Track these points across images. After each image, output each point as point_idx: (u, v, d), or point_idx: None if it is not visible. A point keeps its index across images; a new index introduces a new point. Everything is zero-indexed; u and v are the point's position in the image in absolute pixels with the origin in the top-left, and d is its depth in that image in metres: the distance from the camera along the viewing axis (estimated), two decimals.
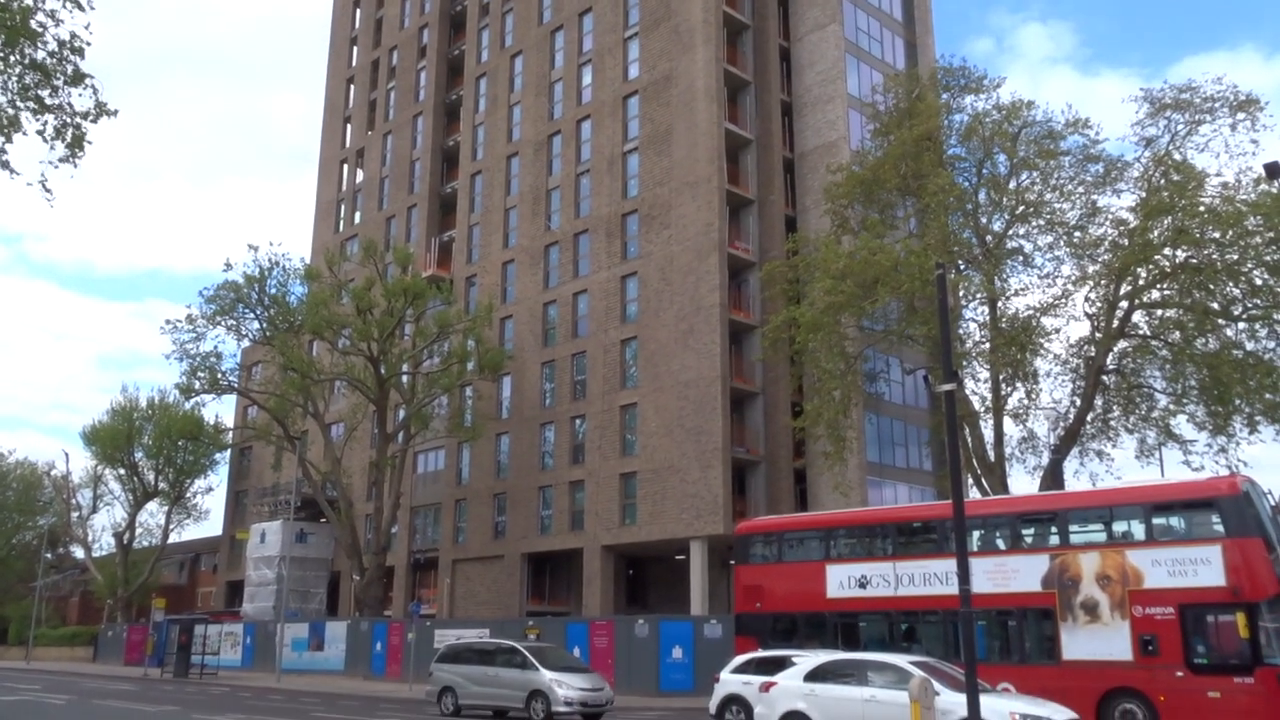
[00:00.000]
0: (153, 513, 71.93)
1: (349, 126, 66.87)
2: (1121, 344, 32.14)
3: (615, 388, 45.69)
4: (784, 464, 42.97)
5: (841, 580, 22.69)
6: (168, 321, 74.93)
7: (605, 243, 47.69)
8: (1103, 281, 31.20)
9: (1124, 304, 31.35)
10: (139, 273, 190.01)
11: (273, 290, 47.24)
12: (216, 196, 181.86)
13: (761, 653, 20.91)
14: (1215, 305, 30.07)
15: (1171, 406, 31.78)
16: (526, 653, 23.95)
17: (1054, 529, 20.72)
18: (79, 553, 78.80)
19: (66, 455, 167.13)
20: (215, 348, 49.16)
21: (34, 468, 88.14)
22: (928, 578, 21.19)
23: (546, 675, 22.94)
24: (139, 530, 70.81)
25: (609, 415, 45.61)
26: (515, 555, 48.19)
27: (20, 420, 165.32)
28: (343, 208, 65.45)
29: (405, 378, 48.26)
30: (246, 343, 51.46)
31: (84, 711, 25.02)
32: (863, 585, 22.31)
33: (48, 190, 16.59)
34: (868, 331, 36.18)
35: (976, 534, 21.21)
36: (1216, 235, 29.06)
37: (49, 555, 77.44)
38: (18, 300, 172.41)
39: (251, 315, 47.46)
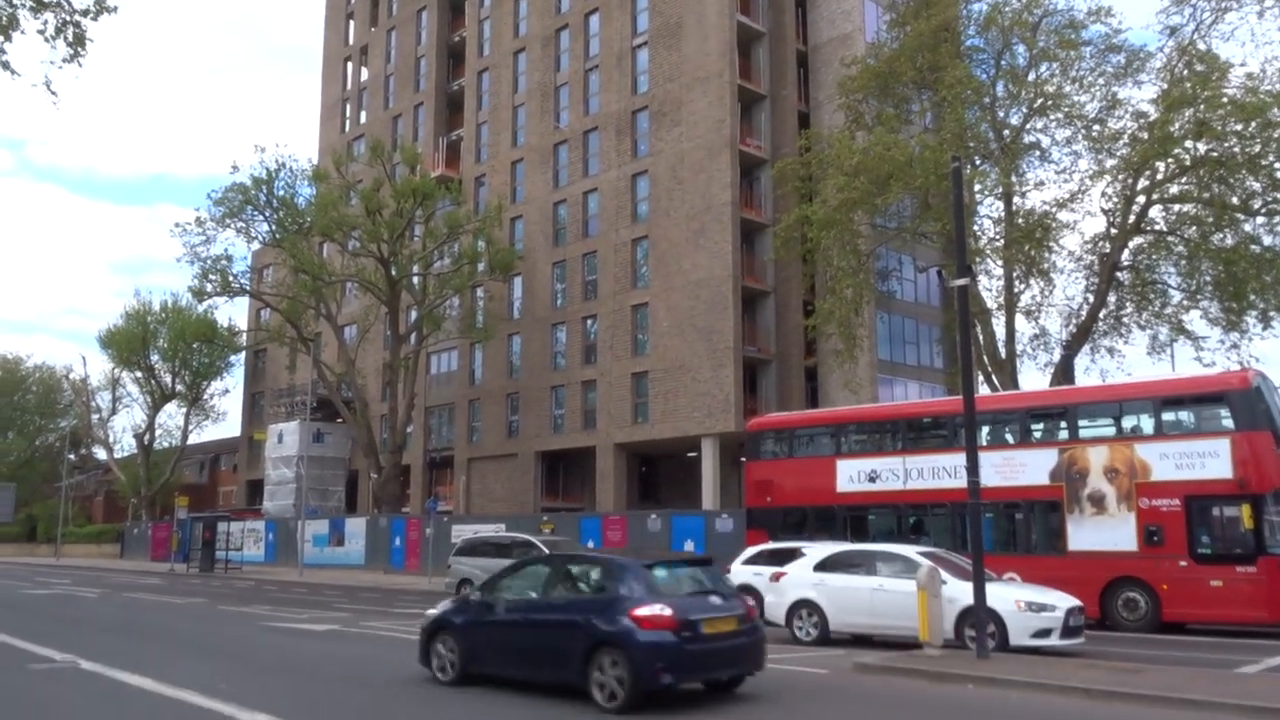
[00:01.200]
0: (171, 414, 73.06)
1: (351, 23, 65.46)
2: (1137, 240, 31.86)
3: (626, 287, 45.64)
4: (795, 363, 43.15)
5: (851, 475, 23.00)
6: (177, 224, 74.74)
7: (615, 140, 47.04)
8: (1121, 176, 30.75)
9: (1141, 199, 30.97)
10: (144, 177, 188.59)
11: (281, 192, 47.00)
12: (219, 99, 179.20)
13: (772, 545, 21.33)
14: (1234, 199, 29.67)
15: (1185, 302, 31.67)
16: (542, 546, 24.49)
17: (1063, 424, 20.89)
18: (101, 454, 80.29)
19: (84, 359, 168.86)
20: (226, 251, 49.31)
21: (52, 371, 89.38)
22: (936, 472, 21.45)
23: None
24: (159, 431, 72.05)
25: (620, 315, 45.67)
26: (529, 453, 48.87)
27: (35, 325, 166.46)
28: (348, 107, 64.52)
29: (416, 279, 48.26)
30: (256, 245, 51.50)
31: (116, 603, 25.85)
32: (872, 480, 22.63)
33: (52, 91, 16.41)
34: (881, 229, 35.88)
35: (986, 429, 21.39)
36: (1239, 127, 28.48)
37: (72, 456, 78.98)
38: (26, 204, 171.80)
39: (260, 217, 47.33)
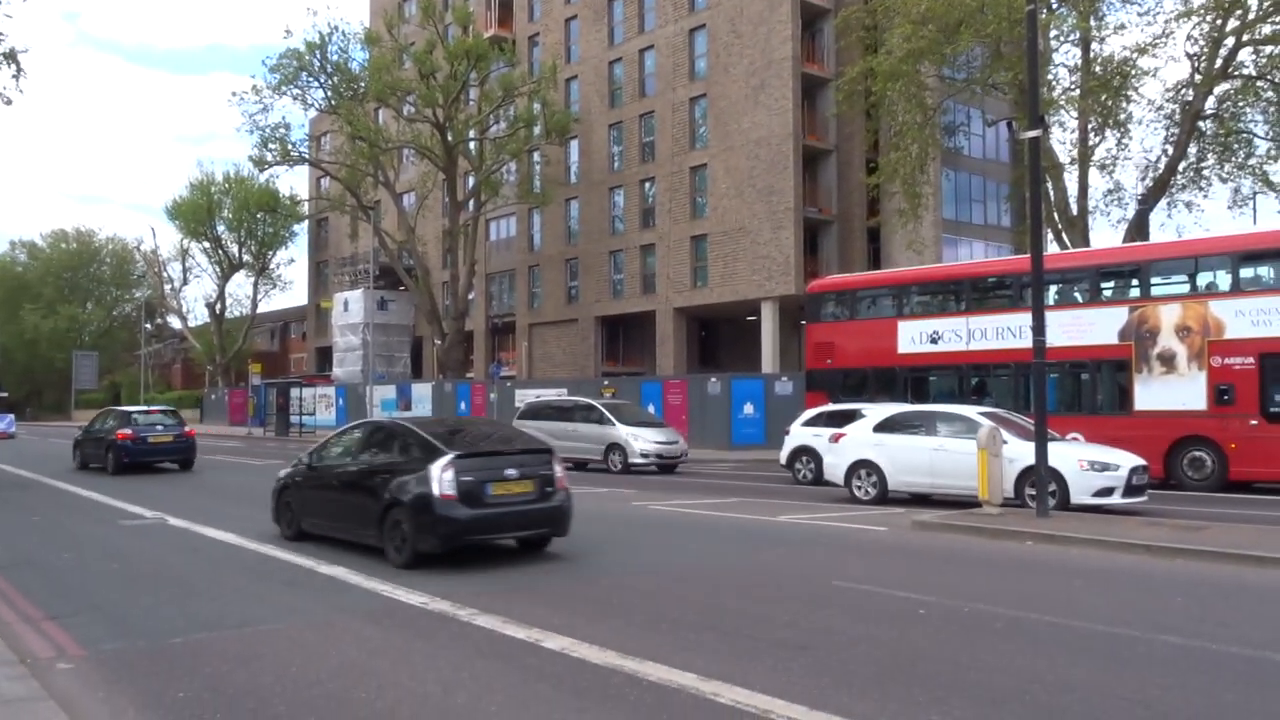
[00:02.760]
0: (240, 284, 74.88)
1: None
2: (1223, 86, 30.22)
3: (684, 148, 44.80)
4: (857, 223, 42.36)
5: (913, 336, 22.80)
6: (234, 93, 75.04)
7: None
8: (1209, 16, 28.96)
9: (1230, 40, 29.21)
10: (199, 49, 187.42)
11: (334, 57, 46.52)
12: None
13: (831, 407, 21.44)
14: None
15: (1273, 152, 30.23)
16: (603, 409, 24.89)
17: (1135, 281, 20.34)
18: (175, 323, 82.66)
19: (154, 230, 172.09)
20: (283, 119, 49.42)
21: (124, 243, 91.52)
22: (1000, 332, 21.16)
23: (623, 430, 23.92)
24: (229, 301, 73.83)
25: (678, 177, 44.99)
26: (589, 318, 49.18)
27: (102, 198, 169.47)
28: None
29: (472, 144, 47.85)
30: (313, 112, 51.30)
31: (199, 465, 26.98)
32: (934, 341, 22.40)
33: None
34: (949, 80, 34.48)
35: (1054, 289, 20.94)
36: None
37: (148, 326, 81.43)
38: (88, 77, 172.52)
39: (315, 84, 47.01)
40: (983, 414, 15.57)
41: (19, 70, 21.30)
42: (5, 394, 74.81)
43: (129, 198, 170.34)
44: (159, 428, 23.82)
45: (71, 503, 17.03)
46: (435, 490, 9.82)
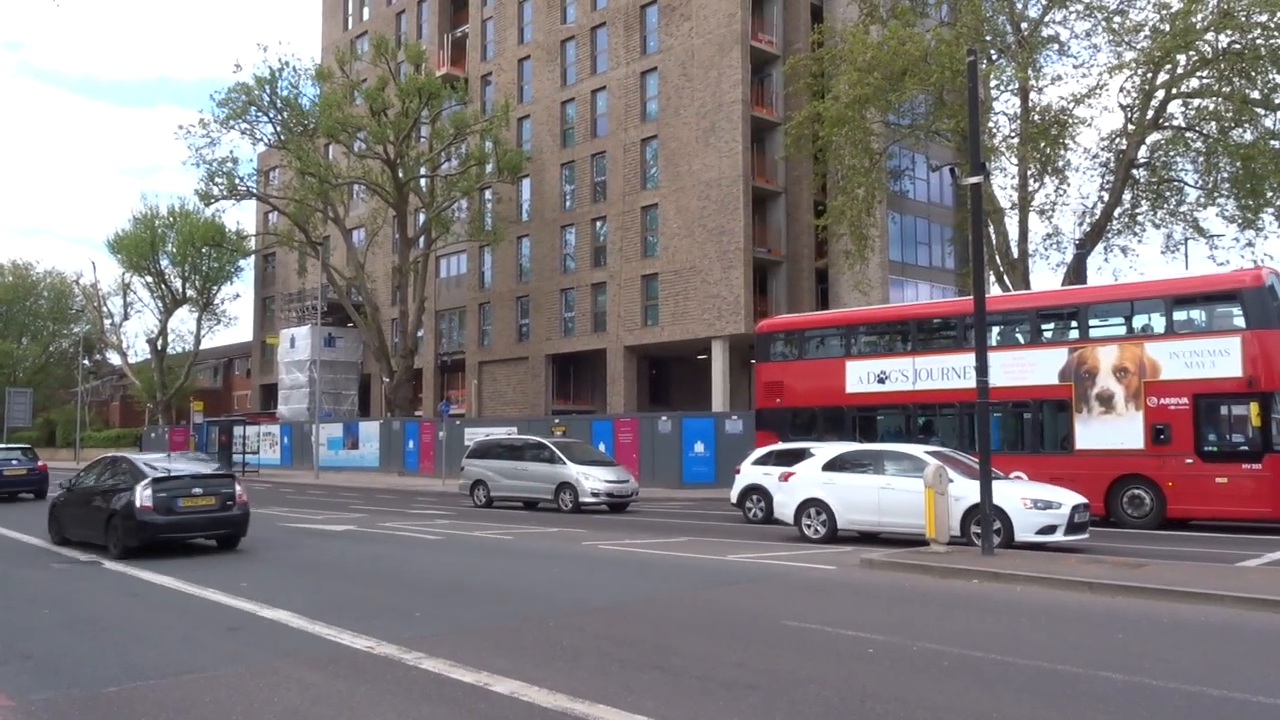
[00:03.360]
0: (184, 319, 73.62)
1: None
2: (1155, 136, 31.25)
3: (636, 188, 45.17)
4: (806, 264, 42.91)
5: (861, 376, 23.08)
6: (180, 126, 74.17)
7: (624, 36, 45.97)
8: (1140, 69, 29.99)
9: (1160, 93, 30.26)
10: (146, 80, 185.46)
11: (284, 92, 46.33)
12: None
13: (781, 445, 21.60)
14: (1255, 94, 28.97)
15: (1201, 200, 31.21)
16: (554, 448, 24.80)
17: (1074, 323, 20.83)
18: (115, 359, 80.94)
19: (94, 264, 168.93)
20: (231, 153, 48.96)
21: (63, 277, 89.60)
22: (946, 372, 21.50)
23: (574, 469, 23.84)
24: (171, 337, 72.51)
25: (630, 216, 45.30)
26: (540, 356, 49.10)
27: (42, 229, 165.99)
28: (350, 3, 62.98)
29: (424, 181, 47.80)
30: (262, 147, 50.98)
31: None
32: (881, 380, 22.70)
33: None
34: (894, 126, 35.22)
35: (996, 329, 21.38)
36: (1263, 18, 27.64)
37: (86, 362, 79.65)
38: (29, 107, 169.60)
39: (264, 118, 46.72)
40: (929, 453, 15.78)
41: None
42: None
43: (69, 230, 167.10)
44: (14, 462, 27.27)
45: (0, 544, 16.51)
46: (138, 503, 14.00)
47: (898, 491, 15.30)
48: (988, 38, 31.87)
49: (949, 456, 15.88)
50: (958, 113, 29.92)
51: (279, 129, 46.99)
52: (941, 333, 23.35)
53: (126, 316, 77.27)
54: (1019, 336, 21.68)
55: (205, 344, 73.31)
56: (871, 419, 23.04)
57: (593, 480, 23.59)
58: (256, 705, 6.37)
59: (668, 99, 43.79)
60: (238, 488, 15.10)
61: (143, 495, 13.96)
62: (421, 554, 14.96)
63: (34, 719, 6.16)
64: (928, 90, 31.51)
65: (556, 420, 37.57)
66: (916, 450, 16.14)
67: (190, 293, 69.39)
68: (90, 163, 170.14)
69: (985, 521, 13.38)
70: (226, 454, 46.27)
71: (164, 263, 68.56)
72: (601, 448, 31.46)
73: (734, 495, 21.23)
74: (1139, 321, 20.03)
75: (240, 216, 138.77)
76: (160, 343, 70.86)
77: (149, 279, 69.74)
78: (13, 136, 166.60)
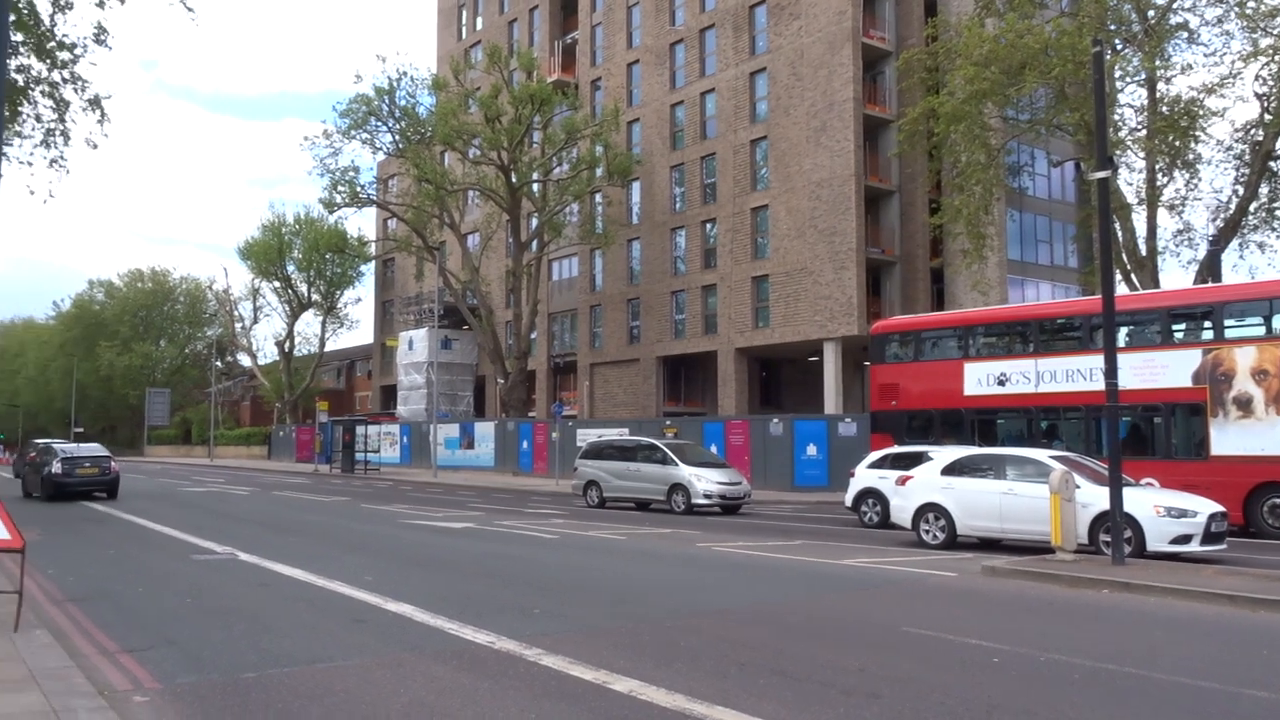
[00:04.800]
0: (309, 322, 76.38)
1: None
2: None
3: (746, 189, 44.97)
4: (920, 264, 42.03)
5: (980, 378, 22.49)
6: (305, 138, 77.18)
7: (732, 38, 45.82)
8: (1277, 56, 28.43)
9: None
10: (272, 95, 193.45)
11: (403, 102, 47.71)
12: (339, 12, 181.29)
13: (897, 449, 21.20)
14: None
15: None
16: (666, 449, 24.86)
17: (1208, 323, 19.87)
18: (246, 361, 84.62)
19: (226, 271, 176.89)
20: (352, 162, 50.77)
21: (197, 283, 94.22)
22: (1070, 374, 20.78)
23: (686, 470, 23.85)
24: (298, 339, 75.49)
25: (740, 218, 45.12)
26: (650, 358, 49.30)
27: (178, 239, 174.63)
28: (464, 13, 64.42)
29: (536, 186, 48.57)
30: (381, 156, 52.60)
31: (267, 500, 27.50)
32: (1001, 383, 22.07)
33: (189, 8, 16.88)
34: (1012, 122, 34.24)
35: (1125, 330, 20.55)
36: None
37: (219, 364, 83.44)
38: (164, 123, 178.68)
39: (384, 128, 48.19)
40: (1054, 457, 15.27)
41: (103, 116, 22.11)
42: (81, 429, 77.02)
43: (203, 238, 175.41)
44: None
45: (145, 537, 17.42)
46: (54, 471, 25.82)
47: (1021, 497, 14.84)
48: (1112, 27, 30.70)
49: (1075, 461, 15.33)
50: (1081, 106, 28.91)
51: (397, 138, 48.41)
52: (1066, 333, 22.56)
53: (256, 320, 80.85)
54: (1149, 337, 20.79)
55: (329, 346, 76.09)
56: (991, 422, 22.43)
57: (705, 482, 23.55)
58: (384, 696, 6.56)
59: (777, 99, 43.46)
60: (113, 464, 27.30)
61: (55, 466, 25.91)
62: (538, 552, 15.19)
63: (180, 701, 6.47)
64: (1048, 83, 30.53)
65: (668, 422, 37.66)
66: (1041, 455, 15.63)
67: (315, 297, 72.10)
68: (221, 174, 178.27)
69: (1115, 529, 12.86)
70: (349, 452, 47.85)
71: (290, 268, 71.46)
72: (713, 449, 31.39)
73: (849, 499, 20.92)
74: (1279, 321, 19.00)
75: (361, 223, 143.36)
76: (287, 345, 73.82)
77: (277, 284, 72.79)
78: (150, 151, 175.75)
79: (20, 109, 20.99)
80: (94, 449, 29.64)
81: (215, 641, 8.36)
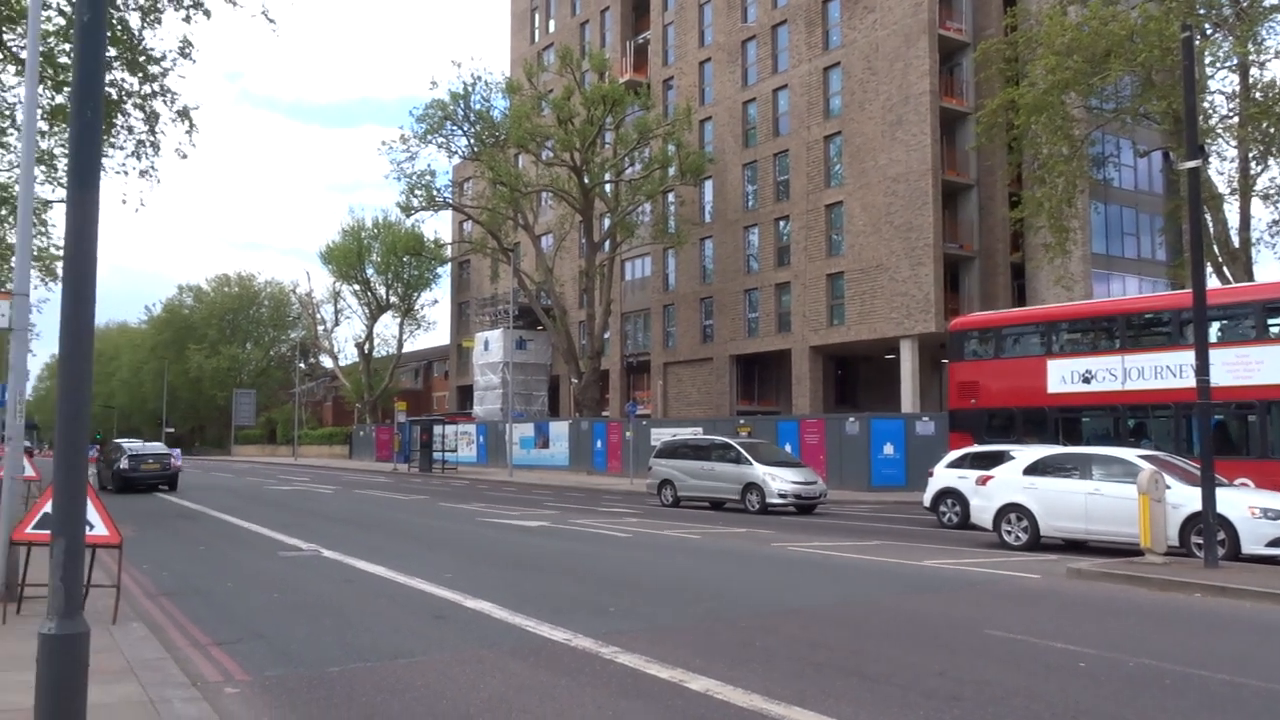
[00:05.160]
0: (387, 324, 77.96)
1: None
2: None
3: (819, 186, 44.54)
4: (1000, 259, 41.16)
5: (1063, 375, 21.93)
6: (383, 143, 78.56)
7: (805, 33, 45.42)
8: None
9: None
10: (351, 102, 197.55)
11: (477, 106, 48.33)
12: (414, 19, 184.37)
13: (977, 448, 20.79)
14: None
15: None
16: (740, 448, 24.75)
17: None
18: (327, 362, 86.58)
19: (308, 274, 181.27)
20: (429, 166, 51.39)
21: (281, 287, 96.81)
22: (1159, 371, 20.14)
23: (760, 469, 23.72)
24: (377, 341, 76.98)
25: (814, 215, 44.71)
26: (724, 357, 49.14)
27: (263, 244, 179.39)
28: (536, 16, 64.98)
29: (608, 186, 48.77)
30: (457, 159, 53.35)
31: (349, 498, 28.09)
32: (1087, 380, 21.50)
33: (270, 19, 17.31)
34: (1096, 111, 33.31)
35: (1217, 324, 19.84)
36: None
37: (302, 365, 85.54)
38: (248, 132, 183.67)
39: (459, 132, 48.89)
40: (1142, 457, 14.83)
41: (192, 127, 22.79)
42: (171, 429, 79.53)
43: (286, 244, 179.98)
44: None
45: (233, 534, 17.93)
46: (121, 466, 30.10)
47: (1107, 498, 14.44)
48: (1201, 11, 29.64)
49: (1164, 461, 14.87)
50: (1169, 94, 28.02)
51: (472, 141, 49.07)
52: (1154, 329, 21.87)
53: (337, 322, 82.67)
54: (1243, 332, 20.04)
55: (407, 347, 77.43)
56: (1076, 421, 21.86)
57: (780, 481, 23.39)
58: (464, 691, 6.65)
59: (851, 94, 42.96)
60: (174, 460, 31.67)
61: (123, 461, 30.06)
62: (613, 551, 15.25)
63: (268, 694, 6.64)
64: (1134, 71, 29.63)
65: (741, 421, 37.49)
66: (1129, 454, 15.18)
67: (393, 299, 73.46)
68: (302, 180, 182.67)
69: (1208, 531, 12.44)
70: (427, 452, 48.61)
71: (369, 271, 72.95)
72: (787, 449, 31.15)
73: (927, 499, 20.59)
74: None
75: (437, 226, 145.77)
76: (367, 346, 75.32)
77: (356, 287, 74.36)
78: (234, 159, 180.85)
79: (114, 121, 21.75)
80: (157, 447, 34.62)
81: (301, 636, 8.57)
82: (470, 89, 47.74)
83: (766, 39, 47.66)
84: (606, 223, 49.56)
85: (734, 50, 49.50)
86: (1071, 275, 35.93)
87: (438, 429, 49.71)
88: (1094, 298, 35.75)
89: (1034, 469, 15.84)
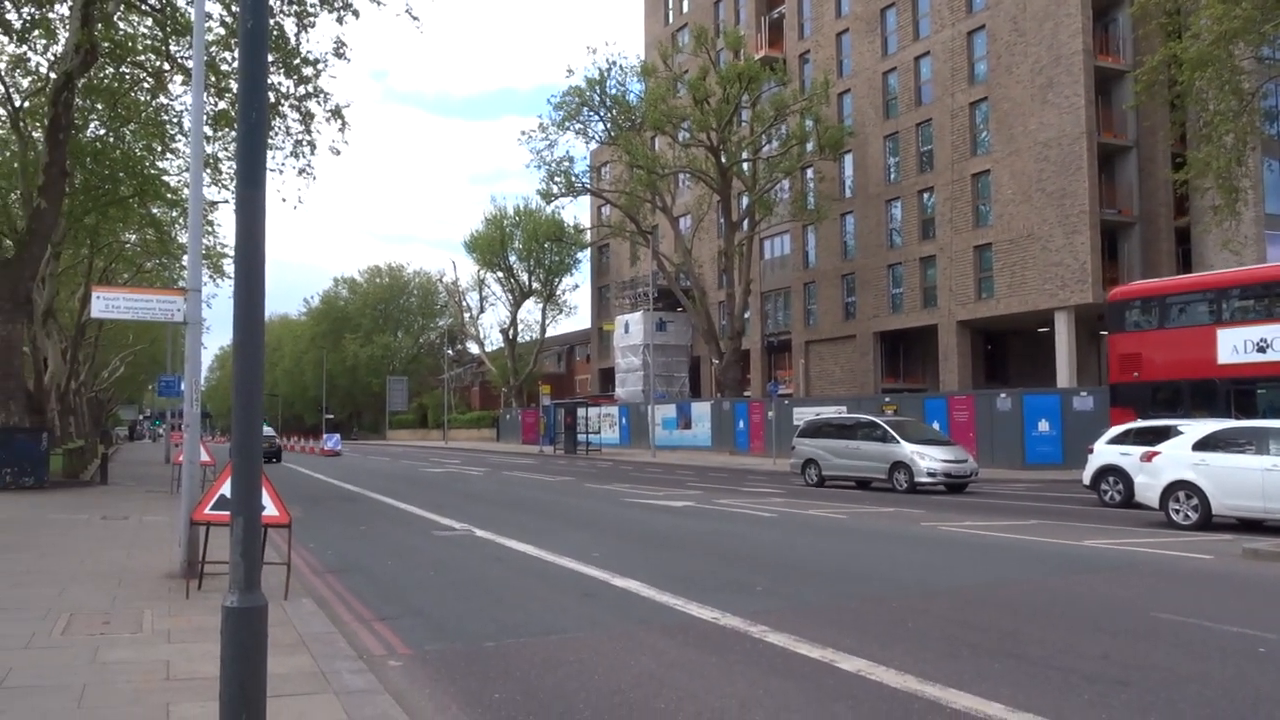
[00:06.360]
0: (530, 310, 79.66)
1: None
2: None
3: (965, 155, 43.06)
4: (1162, 224, 38.94)
5: (1236, 345, 20.63)
6: (523, 133, 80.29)
7: None
8: None
9: None
10: (490, 94, 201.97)
11: (613, 91, 48.71)
12: (549, 7, 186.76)
13: (1140, 423, 19.78)
14: None
15: None
16: (887, 426, 24.27)
17: None
18: (474, 348, 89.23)
19: (454, 264, 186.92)
20: (567, 152, 52.21)
21: (428, 276, 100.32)
22: None
23: (908, 448, 23.21)
24: (520, 326, 78.86)
25: (959, 185, 43.28)
26: (867, 334, 48.22)
27: (411, 236, 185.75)
28: None
29: (746, 164, 48.41)
30: (594, 145, 53.91)
31: (498, 480, 28.93)
32: (1262, 349, 20.16)
33: (414, 16, 17.86)
34: (1269, 62, 31.00)
35: None
36: None
37: (450, 352, 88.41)
38: (394, 128, 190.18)
39: (595, 117, 49.39)
40: None
41: (344, 124, 23.80)
42: (331, 415, 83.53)
43: (431, 235, 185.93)
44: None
45: (391, 514, 18.71)
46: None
47: None
48: None
49: None
50: None
51: (609, 126, 49.50)
52: None
53: (482, 309, 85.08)
54: None
55: (550, 332, 79.02)
56: (1250, 393, 20.54)
57: (929, 460, 22.83)
58: (615, 667, 6.76)
59: (998, 57, 41.30)
60: (276, 440, 41.64)
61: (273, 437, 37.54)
62: (758, 531, 15.21)
63: (429, 666, 6.92)
64: None
65: (887, 399, 36.76)
66: None
67: (535, 285, 75.05)
68: (446, 173, 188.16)
69: None
70: (571, 434, 49.54)
71: (512, 258, 74.72)
72: (936, 426, 30.38)
73: (1087, 477, 19.73)
74: None
75: (576, 212, 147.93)
76: (511, 332, 77.21)
77: (500, 274, 76.32)
78: (381, 155, 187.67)
79: (272, 124, 22.91)
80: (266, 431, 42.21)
81: (457, 612, 8.88)
82: (605, 74, 48.18)
83: (906, 6, 46.29)
84: (745, 201, 49.22)
85: (872, 19, 48.26)
86: (1242, 238, 33.65)
87: (581, 411, 50.58)
88: (1268, 261, 33.42)
89: (1204, 444, 14.97)
